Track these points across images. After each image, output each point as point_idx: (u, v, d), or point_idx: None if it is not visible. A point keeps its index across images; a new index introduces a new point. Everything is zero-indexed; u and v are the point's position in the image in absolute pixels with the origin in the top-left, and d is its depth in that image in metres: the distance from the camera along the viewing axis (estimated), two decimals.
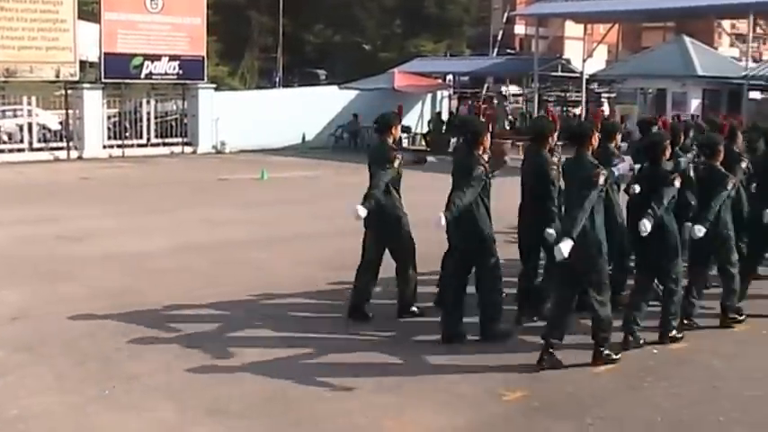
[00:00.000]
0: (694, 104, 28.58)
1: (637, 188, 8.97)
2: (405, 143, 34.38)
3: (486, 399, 7.22)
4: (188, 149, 29.95)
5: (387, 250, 9.49)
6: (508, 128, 33.40)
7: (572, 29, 39.40)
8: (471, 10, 61.65)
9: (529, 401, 7.18)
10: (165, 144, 29.70)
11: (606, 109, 35.69)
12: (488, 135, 9.10)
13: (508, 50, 62.57)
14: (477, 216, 8.56)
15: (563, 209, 8.68)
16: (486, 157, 8.80)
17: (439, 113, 34.89)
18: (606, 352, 8.03)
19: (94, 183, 22.01)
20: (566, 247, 7.48)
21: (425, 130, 34.74)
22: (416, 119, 35.61)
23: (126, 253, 12.83)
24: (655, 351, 8.45)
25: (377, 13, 58.34)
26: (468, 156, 8.75)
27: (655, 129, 11.04)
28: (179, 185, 21.73)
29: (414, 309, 9.56)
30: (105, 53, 28.00)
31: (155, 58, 28.95)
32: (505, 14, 56.07)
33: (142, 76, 28.83)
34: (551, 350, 7.90)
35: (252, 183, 22.11)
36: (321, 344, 8.57)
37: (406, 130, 34.66)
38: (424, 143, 34.23)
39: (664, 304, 8.75)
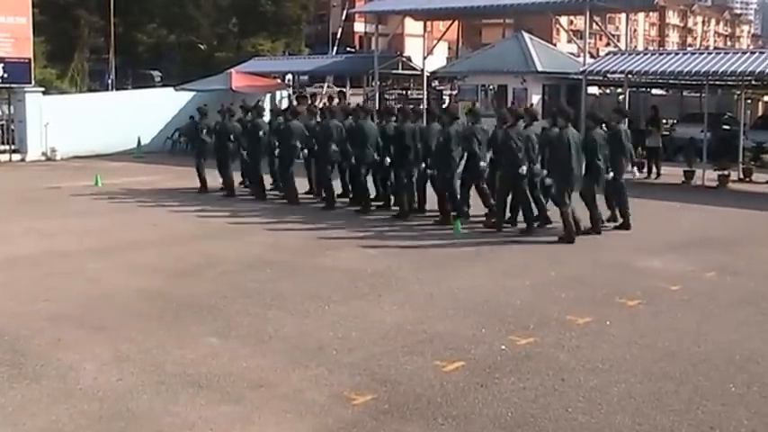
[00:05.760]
0: (535, 99, 28.96)
1: None
2: None
3: (334, 404, 7.11)
4: (16, 157, 28.64)
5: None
6: None
7: (412, 26, 39.67)
8: (309, 7, 61.57)
9: (378, 404, 7.11)
10: None
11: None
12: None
13: (348, 48, 62.79)
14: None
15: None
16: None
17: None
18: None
19: None
20: None
21: None
22: None
23: None
24: (503, 347, 8.60)
25: (211, 11, 57.59)
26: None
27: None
28: (6, 195, 20.65)
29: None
30: None
31: None
32: (344, 12, 56.02)
33: None
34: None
35: (85, 190, 21.12)
36: (160, 357, 8.27)
37: None
38: None
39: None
